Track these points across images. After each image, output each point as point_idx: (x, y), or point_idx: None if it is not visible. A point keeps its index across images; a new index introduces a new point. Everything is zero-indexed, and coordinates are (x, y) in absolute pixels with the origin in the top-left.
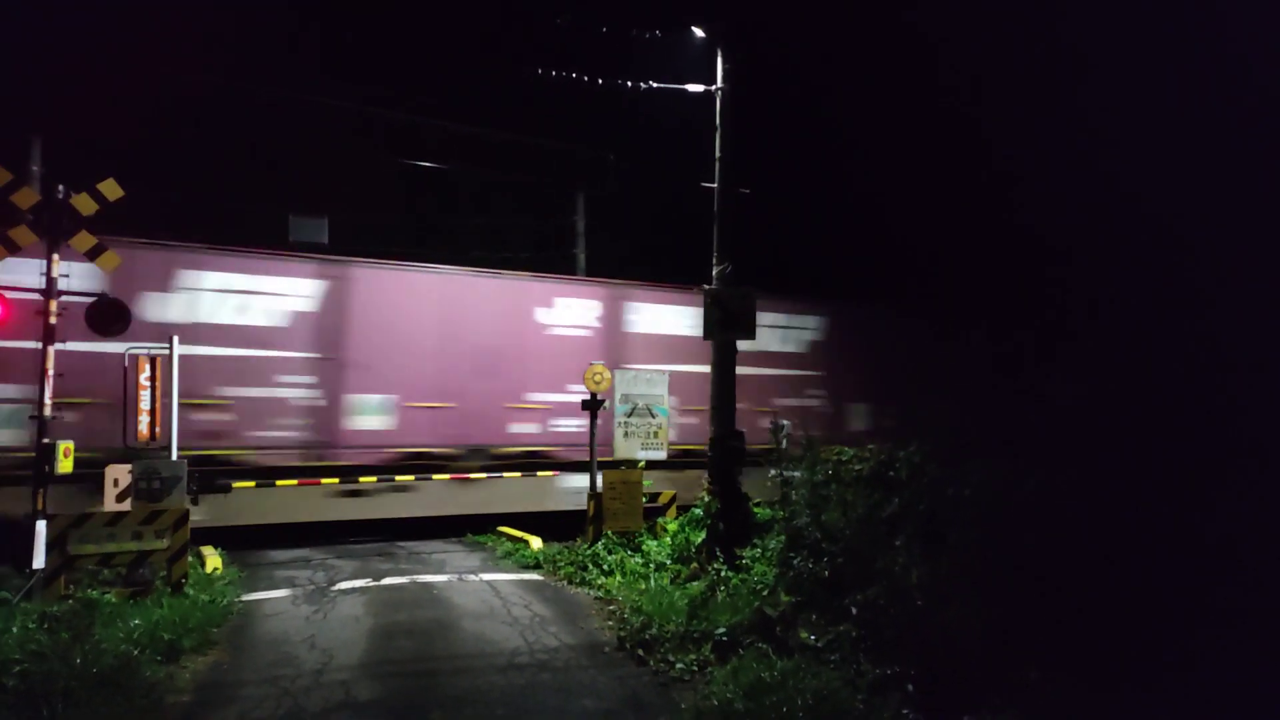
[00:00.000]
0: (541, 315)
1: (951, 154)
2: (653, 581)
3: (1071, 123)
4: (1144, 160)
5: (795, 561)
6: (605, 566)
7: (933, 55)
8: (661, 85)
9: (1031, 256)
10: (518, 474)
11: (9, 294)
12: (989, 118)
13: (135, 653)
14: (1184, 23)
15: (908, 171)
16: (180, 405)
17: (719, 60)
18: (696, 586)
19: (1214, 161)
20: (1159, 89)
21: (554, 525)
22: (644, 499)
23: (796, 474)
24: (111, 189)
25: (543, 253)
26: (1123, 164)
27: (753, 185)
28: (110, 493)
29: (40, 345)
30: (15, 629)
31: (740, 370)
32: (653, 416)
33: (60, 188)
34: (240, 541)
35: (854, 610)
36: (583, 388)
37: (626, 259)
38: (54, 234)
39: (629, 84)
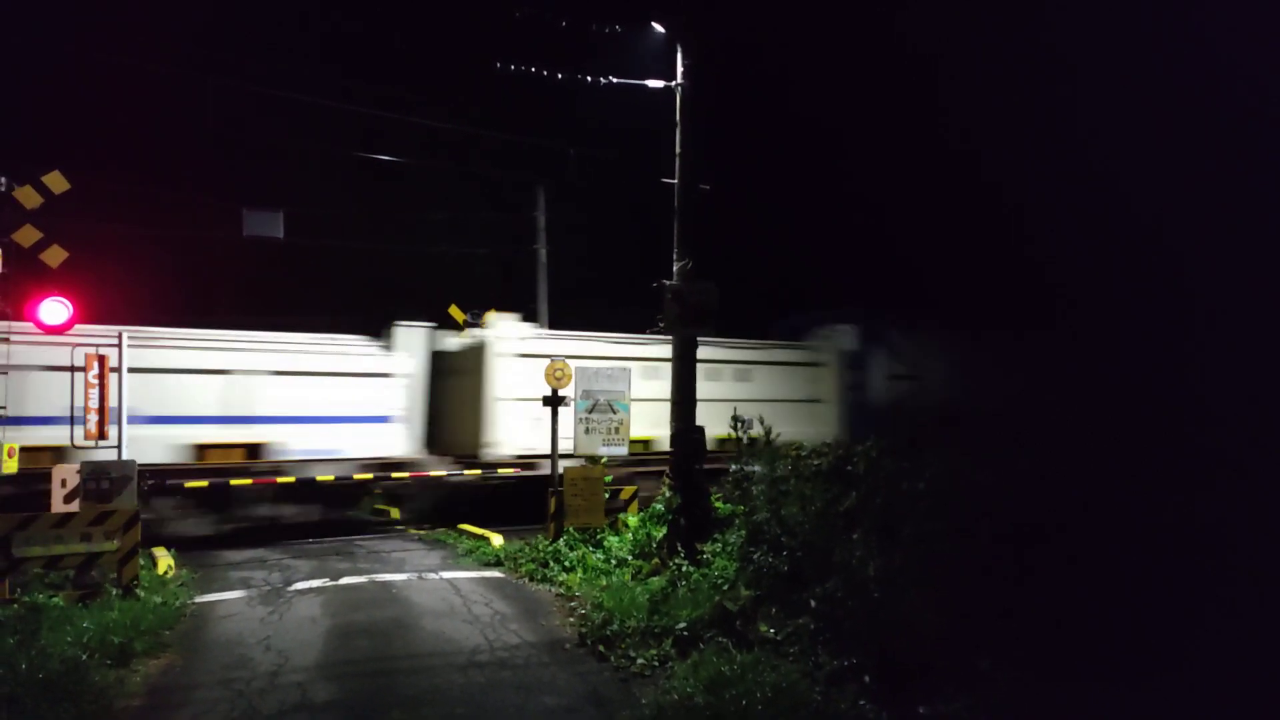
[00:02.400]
0: None
1: (927, 149)
2: (614, 577)
3: (1059, 121)
4: (1139, 160)
5: (755, 556)
6: (566, 563)
7: (902, 49)
8: (621, 81)
9: (1014, 249)
10: None
11: None
12: (966, 116)
13: (84, 657)
14: (1175, 22)
15: (879, 164)
16: None
17: (679, 56)
18: (657, 582)
19: (1212, 161)
20: (1148, 89)
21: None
22: (605, 494)
23: (756, 469)
24: (57, 182)
25: (504, 247)
26: (1118, 163)
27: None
28: (58, 493)
29: None
30: None
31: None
32: (614, 412)
33: (2, 179)
34: (193, 541)
35: (813, 603)
36: None
37: (588, 254)
38: None
39: (589, 79)
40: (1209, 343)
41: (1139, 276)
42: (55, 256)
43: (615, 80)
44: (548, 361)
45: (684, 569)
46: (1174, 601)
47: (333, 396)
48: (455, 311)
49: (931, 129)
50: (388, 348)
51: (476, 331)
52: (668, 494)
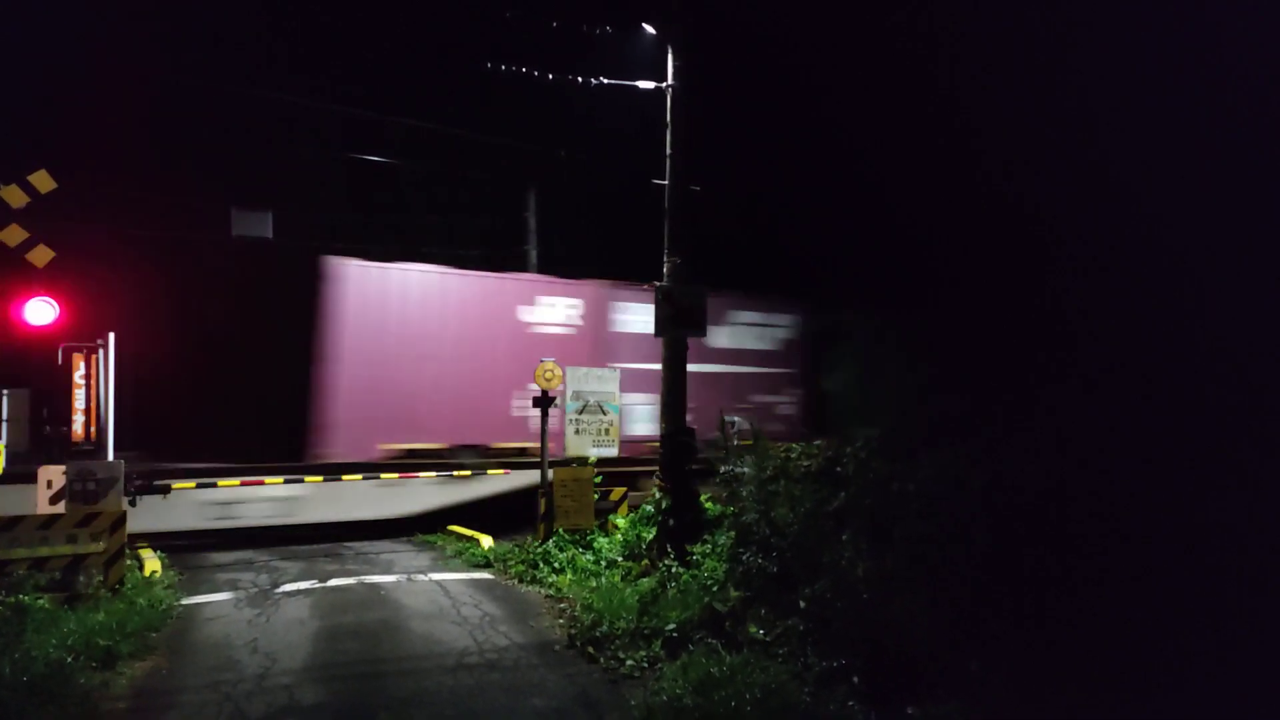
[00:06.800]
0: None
1: (929, 148)
2: (604, 579)
3: (1060, 115)
4: (1139, 157)
5: (745, 557)
6: (556, 564)
7: (900, 43)
8: (612, 82)
9: (1015, 249)
10: None
11: None
12: (968, 111)
13: (69, 660)
14: (1179, 18)
15: (880, 164)
16: None
17: (669, 58)
18: (647, 583)
19: (1211, 159)
20: (1153, 83)
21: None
22: (594, 495)
23: (745, 470)
24: (43, 181)
25: (495, 249)
26: (1117, 160)
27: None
28: (43, 495)
29: None
30: None
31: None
32: (604, 413)
33: None
34: (180, 543)
35: (802, 605)
36: None
37: (578, 257)
38: None
39: (579, 80)
40: (1211, 341)
41: (1141, 276)
42: (42, 256)
43: (606, 81)
44: None
45: (673, 570)
46: (1165, 602)
47: None
48: None
49: (932, 128)
50: None
51: None
52: (657, 495)
